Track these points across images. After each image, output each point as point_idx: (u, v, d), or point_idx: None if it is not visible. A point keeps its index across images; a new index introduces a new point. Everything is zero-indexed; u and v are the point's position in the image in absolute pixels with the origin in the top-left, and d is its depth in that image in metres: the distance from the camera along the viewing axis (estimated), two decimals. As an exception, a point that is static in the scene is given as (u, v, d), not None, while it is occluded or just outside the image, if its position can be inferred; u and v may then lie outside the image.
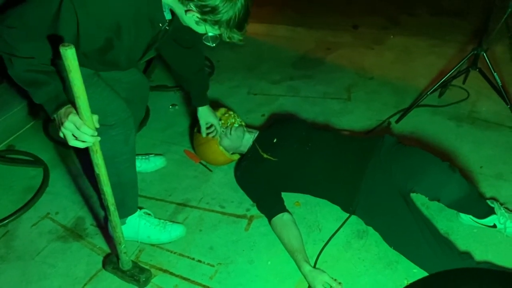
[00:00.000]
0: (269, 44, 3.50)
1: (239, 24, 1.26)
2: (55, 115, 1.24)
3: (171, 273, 1.67)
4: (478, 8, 3.74)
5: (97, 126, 1.22)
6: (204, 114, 1.99)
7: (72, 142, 1.22)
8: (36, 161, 2.26)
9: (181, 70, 1.87)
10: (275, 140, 1.95)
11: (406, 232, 1.57)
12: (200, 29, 1.31)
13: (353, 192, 1.72)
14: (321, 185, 1.82)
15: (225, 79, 3.00)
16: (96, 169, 1.32)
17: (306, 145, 1.89)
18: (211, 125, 2.02)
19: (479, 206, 1.70)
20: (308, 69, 3.06)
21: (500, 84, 2.15)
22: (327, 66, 3.10)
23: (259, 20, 3.87)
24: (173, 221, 1.86)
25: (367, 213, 1.71)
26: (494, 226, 1.68)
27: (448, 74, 2.29)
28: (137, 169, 2.15)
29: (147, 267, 1.68)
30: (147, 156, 2.20)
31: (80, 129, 1.18)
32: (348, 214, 1.80)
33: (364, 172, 1.73)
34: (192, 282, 1.63)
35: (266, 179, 1.88)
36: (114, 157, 1.58)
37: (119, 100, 1.56)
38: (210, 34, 1.31)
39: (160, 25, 1.37)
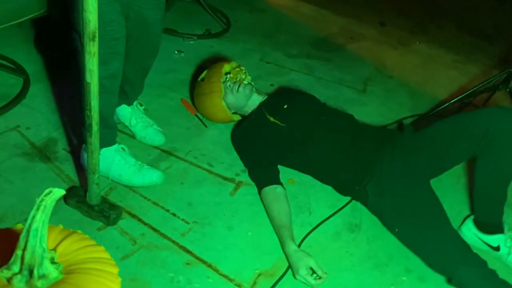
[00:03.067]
0: (291, 18, 3.30)
1: None
2: None
3: (140, 220, 1.49)
4: (509, 36, 3.62)
5: None
6: None
7: None
8: (18, 70, 2.04)
9: None
10: (285, 106, 1.77)
11: (427, 214, 1.43)
12: None
13: (366, 168, 1.57)
14: (329, 162, 1.65)
15: (239, 40, 2.80)
16: (88, 76, 1.12)
17: (319, 118, 1.73)
18: None
19: (497, 213, 1.55)
20: (327, 51, 2.88)
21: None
22: (347, 53, 2.93)
23: (285, -7, 3.67)
24: (152, 166, 1.67)
25: (380, 191, 1.54)
26: (497, 248, 1.54)
27: (476, 87, 2.15)
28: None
29: (115, 207, 1.50)
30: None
31: None
32: (348, 198, 1.65)
33: (382, 153, 1.59)
34: (162, 234, 1.45)
35: (267, 144, 1.70)
36: None
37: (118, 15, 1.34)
38: None
39: None
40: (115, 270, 0.78)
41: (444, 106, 2.24)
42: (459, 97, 2.22)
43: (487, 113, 1.47)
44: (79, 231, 0.79)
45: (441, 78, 2.83)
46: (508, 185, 1.52)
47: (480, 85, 2.19)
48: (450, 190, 1.85)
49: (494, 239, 1.55)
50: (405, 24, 3.54)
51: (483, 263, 1.35)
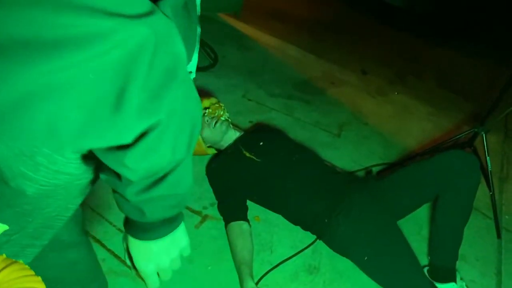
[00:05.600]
0: (277, 58, 3.43)
1: None
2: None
3: (103, 245, 1.51)
4: (483, 94, 3.79)
5: None
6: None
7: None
8: None
9: None
10: (261, 143, 1.85)
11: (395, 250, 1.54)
12: None
13: (336, 201, 1.65)
14: (300, 196, 1.71)
15: (224, 75, 2.90)
16: None
17: (292, 156, 1.81)
18: None
19: (452, 255, 1.67)
20: (308, 94, 2.99)
21: (490, 169, 2.11)
22: (327, 97, 3.04)
23: (274, 34, 3.81)
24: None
25: (351, 221, 1.60)
26: (450, 297, 1.61)
27: (443, 142, 2.25)
28: None
29: (79, 230, 1.53)
30: None
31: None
32: (311, 240, 1.71)
33: (351, 190, 1.70)
34: (122, 261, 1.48)
35: (241, 179, 1.77)
36: None
37: None
38: None
39: None
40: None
41: (412, 157, 2.34)
42: (427, 150, 2.32)
43: (445, 158, 1.59)
44: (21, 261, 0.83)
45: (414, 129, 2.94)
46: (464, 226, 1.66)
47: (448, 141, 2.29)
48: (411, 240, 1.90)
49: (447, 287, 1.62)
50: (386, 74, 3.69)
51: None
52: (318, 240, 1.74)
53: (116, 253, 1.50)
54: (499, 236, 2.10)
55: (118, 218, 1.63)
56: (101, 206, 1.66)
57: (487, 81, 4.15)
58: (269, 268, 1.60)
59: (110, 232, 1.57)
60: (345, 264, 1.66)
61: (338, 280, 1.64)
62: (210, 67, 2.93)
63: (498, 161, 2.80)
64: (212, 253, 1.61)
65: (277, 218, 1.81)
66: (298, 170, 1.76)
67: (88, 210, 1.63)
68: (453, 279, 1.64)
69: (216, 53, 3.12)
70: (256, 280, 1.53)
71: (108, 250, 1.50)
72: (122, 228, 1.56)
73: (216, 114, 1.95)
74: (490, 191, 2.16)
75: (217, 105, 2.00)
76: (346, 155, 2.43)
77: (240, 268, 1.51)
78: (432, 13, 4.54)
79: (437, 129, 3.02)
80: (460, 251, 1.93)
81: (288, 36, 3.89)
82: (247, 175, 1.78)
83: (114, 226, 1.60)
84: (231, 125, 1.97)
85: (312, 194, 1.71)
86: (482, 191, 2.29)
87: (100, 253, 1.48)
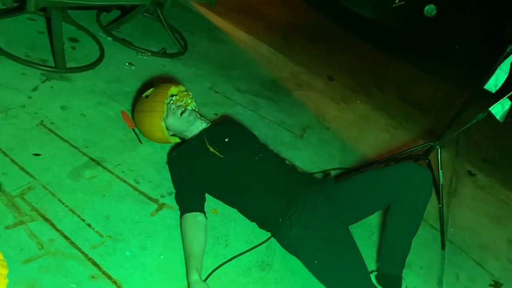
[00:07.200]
0: (248, 55, 3.42)
1: None
2: None
3: (53, 225, 1.45)
4: (440, 112, 3.96)
5: None
6: None
7: None
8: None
9: None
10: (226, 140, 1.84)
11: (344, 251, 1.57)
12: None
13: (291, 202, 1.67)
14: (257, 195, 1.72)
15: (193, 65, 2.85)
16: None
17: (256, 155, 1.81)
18: None
19: (400, 264, 1.73)
20: (275, 93, 3.00)
21: (441, 182, 2.21)
22: (292, 99, 3.06)
23: (248, 31, 3.80)
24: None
25: (303, 224, 1.60)
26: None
27: (399, 153, 2.33)
28: None
29: (29, 208, 1.46)
30: None
31: None
32: (266, 236, 1.73)
33: (307, 191, 1.72)
34: (71, 243, 1.42)
35: (201, 171, 1.75)
36: None
37: None
38: None
39: None
40: (4, 271, 0.77)
41: (368, 164, 2.41)
42: (384, 159, 2.40)
43: (400, 169, 1.65)
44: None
45: (372, 138, 3.03)
46: (413, 237, 1.72)
47: (405, 152, 2.37)
48: (361, 244, 1.94)
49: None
50: (351, 82, 3.77)
51: None
52: (272, 238, 1.76)
53: (66, 234, 1.44)
54: (443, 247, 2.20)
55: (70, 197, 1.57)
56: (53, 184, 1.59)
57: (444, 100, 4.33)
58: (222, 262, 1.59)
59: (61, 212, 1.50)
60: (298, 262, 1.68)
61: (290, 278, 1.65)
62: (179, 55, 2.88)
63: (448, 176, 2.94)
64: (166, 242, 1.58)
65: (235, 213, 1.81)
66: (259, 170, 1.77)
67: (40, 187, 1.56)
68: (399, 287, 1.70)
69: (186, 41, 3.07)
70: (208, 272, 1.52)
71: (58, 230, 1.44)
72: (74, 209, 1.51)
73: (184, 102, 1.92)
74: (439, 203, 2.26)
75: (185, 93, 1.97)
76: (306, 156, 2.46)
77: (189, 260, 1.49)
78: (401, 29, 4.69)
79: (394, 140, 3.13)
80: (407, 259, 2.01)
81: (260, 34, 3.88)
82: (208, 169, 1.76)
83: (67, 206, 1.53)
84: (199, 115, 1.94)
85: (270, 194, 1.72)
86: (431, 203, 2.35)
87: (49, 233, 1.42)
